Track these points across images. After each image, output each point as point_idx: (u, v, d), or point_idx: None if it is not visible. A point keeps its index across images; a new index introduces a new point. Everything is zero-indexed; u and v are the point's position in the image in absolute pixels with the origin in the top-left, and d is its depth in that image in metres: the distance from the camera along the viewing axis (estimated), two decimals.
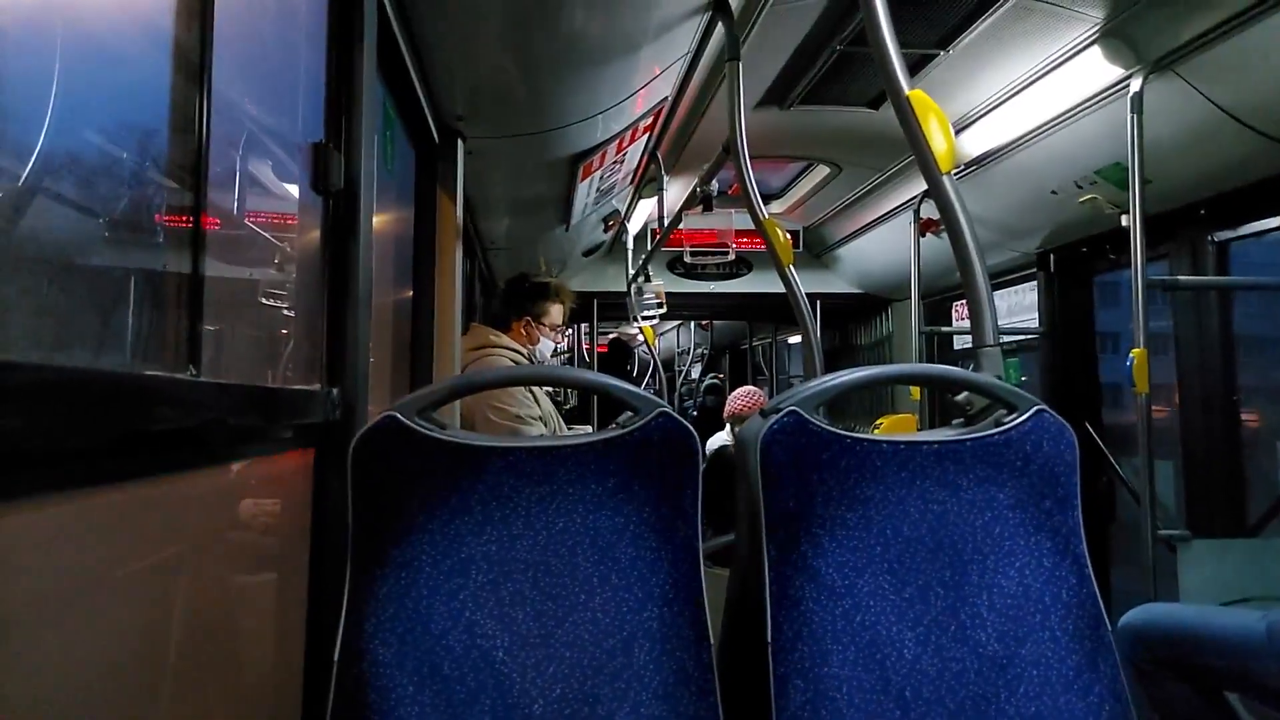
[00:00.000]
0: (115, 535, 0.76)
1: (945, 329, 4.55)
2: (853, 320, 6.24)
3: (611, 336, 8.09)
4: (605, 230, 4.95)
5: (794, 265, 2.24)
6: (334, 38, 1.32)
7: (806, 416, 1.12)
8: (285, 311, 1.24)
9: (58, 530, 0.66)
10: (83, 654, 0.71)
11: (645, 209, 4.59)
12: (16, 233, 0.64)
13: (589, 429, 4.99)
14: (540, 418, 2.69)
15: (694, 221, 3.87)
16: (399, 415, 1.08)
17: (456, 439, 1.11)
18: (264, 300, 1.18)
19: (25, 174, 0.63)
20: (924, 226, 3.83)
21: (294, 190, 1.25)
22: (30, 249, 0.66)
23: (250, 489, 1.11)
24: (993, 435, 1.14)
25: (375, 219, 1.41)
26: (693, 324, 9.72)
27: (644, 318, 4.69)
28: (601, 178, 3.46)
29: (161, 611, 0.86)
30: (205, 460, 0.93)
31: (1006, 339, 4.04)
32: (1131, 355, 2.45)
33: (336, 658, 1.02)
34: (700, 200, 3.02)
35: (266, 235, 1.21)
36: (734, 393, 4.62)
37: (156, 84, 0.82)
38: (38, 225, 0.67)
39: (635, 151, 3.42)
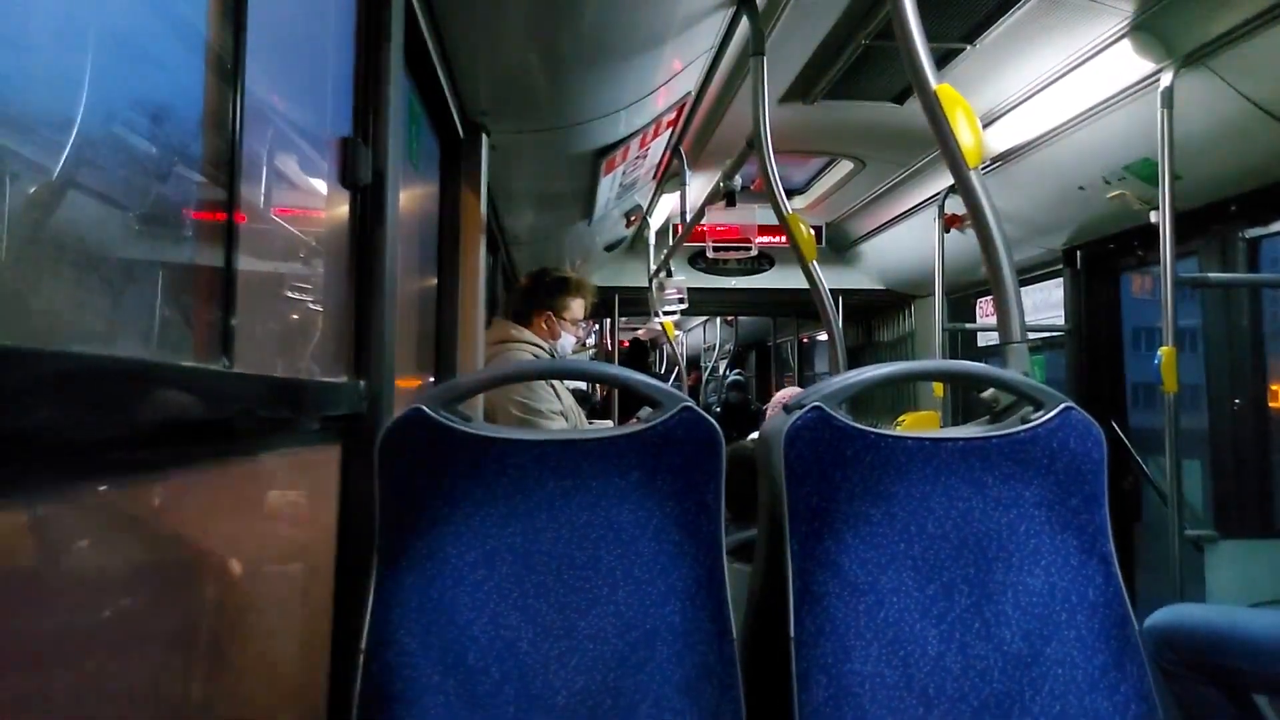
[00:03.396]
0: (149, 523, 0.78)
1: (969, 325, 4.51)
2: (875, 316, 6.21)
3: (633, 336, 8.09)
4: (627, 225, 4.95)
5: (816, 261, 2.23)
6: (362, 34, 1.33)
7: (830, 412, 1.12)
8: (312, 305, 1.25)
9: (96, 517, 0.68)
10: (116, 638, 0.72)
11: (667, 204, 4.59)
12: (60, 229, 0.65)
13: (609, 424, 5.00)
14: (561, 412, 2.70)
15: (716, 216, 3.86)
16: (426, 409, 1.09)
17: (482, 432, 1.12)
18: (293, 294, 1.19)
19: (68, 173, 0.64)
20: (948, 222, 3.80)
21: (322, 185, 1.26)
22: (73, 244, 0.67)
23: (279, 480, 1.12)
24: (1019, 432, 1.13)
25: (400, 213, 1.42)
26: (719, 320, 9.70)
27: (665, 313, 4.69)
28: (624, 173, 3.46)
29: (191, 599, 0.87)
30: (237, 451, 0.94)
31: (1032, 336, 4.00)
32: (1160, 353, 2.42)
33: (363, 647, 1.03)
34: (723, 195, 3.02)
35: (295, 229, 1.22)
36: (775, 397, 4.44)
37: (193, 83, 0.84)
38: (81, 220, 0.68)
39: (658, 146, 3.42)
